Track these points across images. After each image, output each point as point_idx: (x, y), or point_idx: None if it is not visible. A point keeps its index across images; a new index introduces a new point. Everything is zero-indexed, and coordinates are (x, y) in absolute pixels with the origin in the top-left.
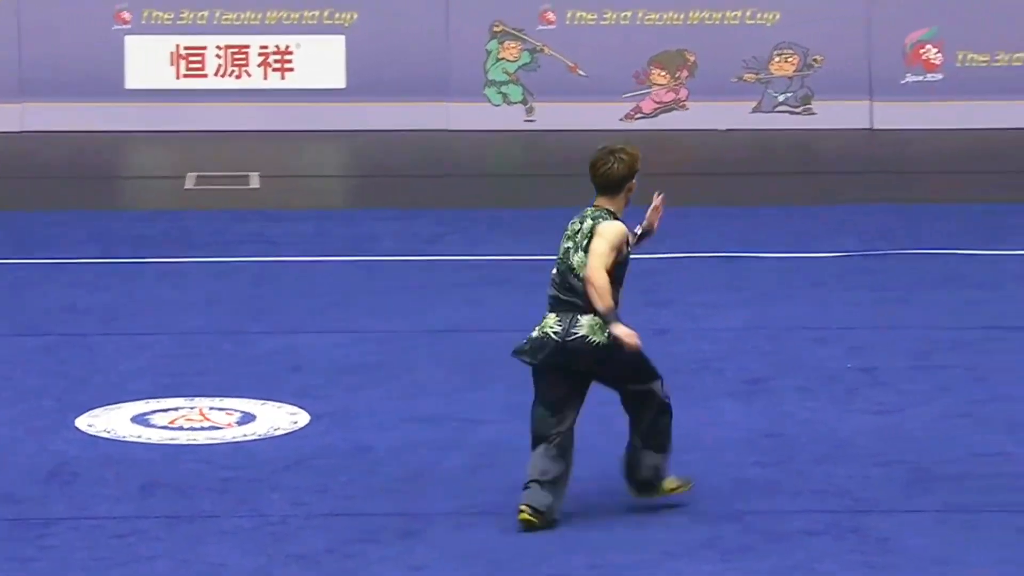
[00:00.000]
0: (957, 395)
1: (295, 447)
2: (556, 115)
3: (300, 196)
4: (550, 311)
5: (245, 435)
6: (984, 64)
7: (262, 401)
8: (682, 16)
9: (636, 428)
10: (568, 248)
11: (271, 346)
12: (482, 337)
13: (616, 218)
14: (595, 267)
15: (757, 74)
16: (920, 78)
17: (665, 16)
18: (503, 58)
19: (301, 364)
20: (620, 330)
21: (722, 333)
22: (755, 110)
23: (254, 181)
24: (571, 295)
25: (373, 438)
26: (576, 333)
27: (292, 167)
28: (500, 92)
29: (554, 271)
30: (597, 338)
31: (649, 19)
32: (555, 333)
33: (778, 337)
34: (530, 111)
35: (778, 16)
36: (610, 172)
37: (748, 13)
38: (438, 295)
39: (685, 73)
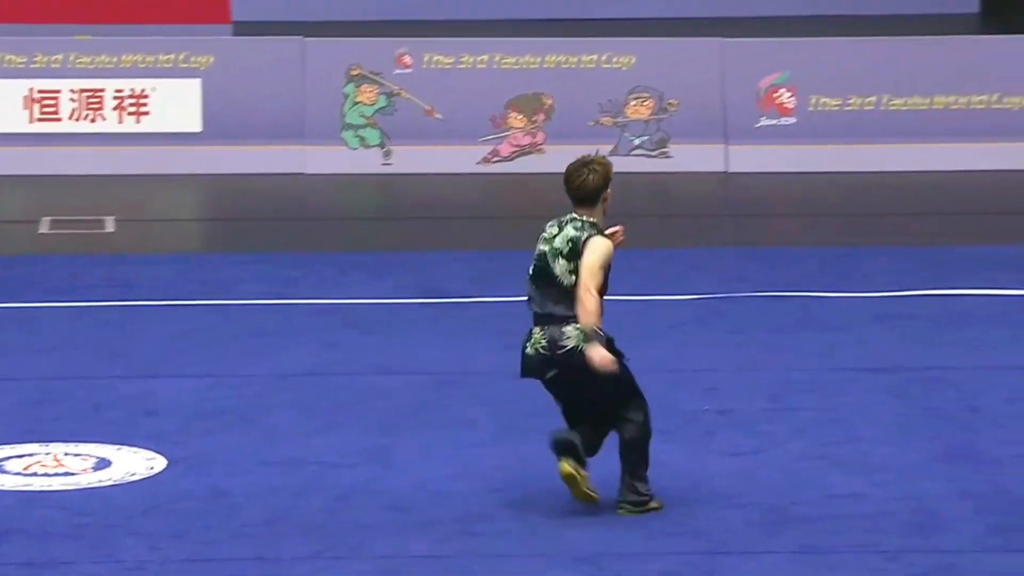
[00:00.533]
0: (812, 437)
1: (152, 492)
2: (413, 159)
3: (156, 240)
4: (535, 324)
5: (101, 481)
6: (836, 108)
7: (118, 446)
8: (539, 60)
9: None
10: (544, 252)
11: (127, 391)
12: (339, 380)
13: (601, 231)
14: (587, 286)
15: (613, 118)
16: (774, 122)
17: (522, 60)
18: (360, 102)
19: (157, 409)
20: (596, 353)
21: None
22: (612, 153)
23: (110, 225)
24: (550, 306)
25: (230, 483)
26: (565, 346)
27: (148, 211)
28: (357, 136)
29: (531, 286)
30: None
31: (506, 63)
32: (543, 348)
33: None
34: (387, 155)
35: (633, 60)
36: (586, 184)
37: (604, 57)
38: (295, 339)
39: (542, 117)
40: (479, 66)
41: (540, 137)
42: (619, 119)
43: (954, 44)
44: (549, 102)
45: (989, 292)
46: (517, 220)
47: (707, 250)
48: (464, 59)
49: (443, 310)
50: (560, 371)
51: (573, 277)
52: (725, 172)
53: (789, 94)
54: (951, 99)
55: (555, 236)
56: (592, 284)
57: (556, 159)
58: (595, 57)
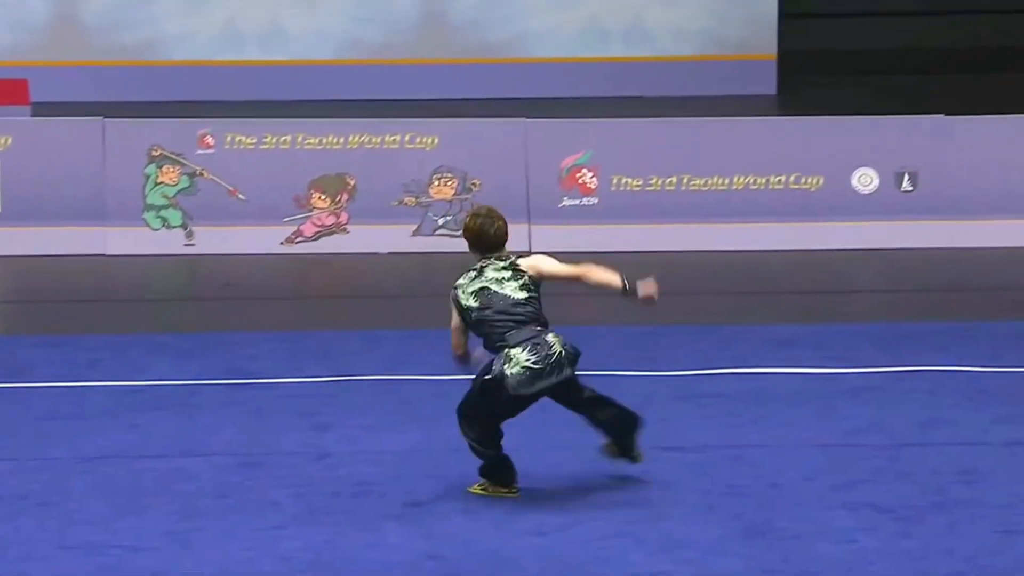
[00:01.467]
0: (616, 515)
1: None
2: (216, 239)
3: None
4: (511, 349)
5: None
6: (638, 188)
7: None
8: (342, 140)
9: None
10: (489, 293)
11: None
12: (141, 463)
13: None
14: (578, 268)
15: (417, 198)
16: (576, 202)
17: (325, 140)
18: (162, 182)
19: None
20: (643, 286)
21: (385, 456)
22: (416, 233)
23: None
24: (527, 328)
25: (29, 568)
26: (554, 353)
27: None
28: (159, 216)
29: (486, 326)
30: (567, 349)
31: (309, 143)
32: (535, 363)
33: (442, 459)
34: (190, 235)
35: (437, 140)
36: (500, 232)
37: (407, 137)
38: (96, 421)
39: (345, 197)
40: (282, 146)
41: (344, 217)
42: (423, 199)
43: (752, 125)
44: (352, 182)
45: (788, 370)
46: (321, 301)
47: None
48: (267, 139)
49: (248, 391)
50: (555, 379)
51: (524, 292)
52: (528, 251)
53: (591, 174)
54: (750, 179)
55: (479, 279)
56: (572, 266)
57: (360, 239)
58: (398, 137)
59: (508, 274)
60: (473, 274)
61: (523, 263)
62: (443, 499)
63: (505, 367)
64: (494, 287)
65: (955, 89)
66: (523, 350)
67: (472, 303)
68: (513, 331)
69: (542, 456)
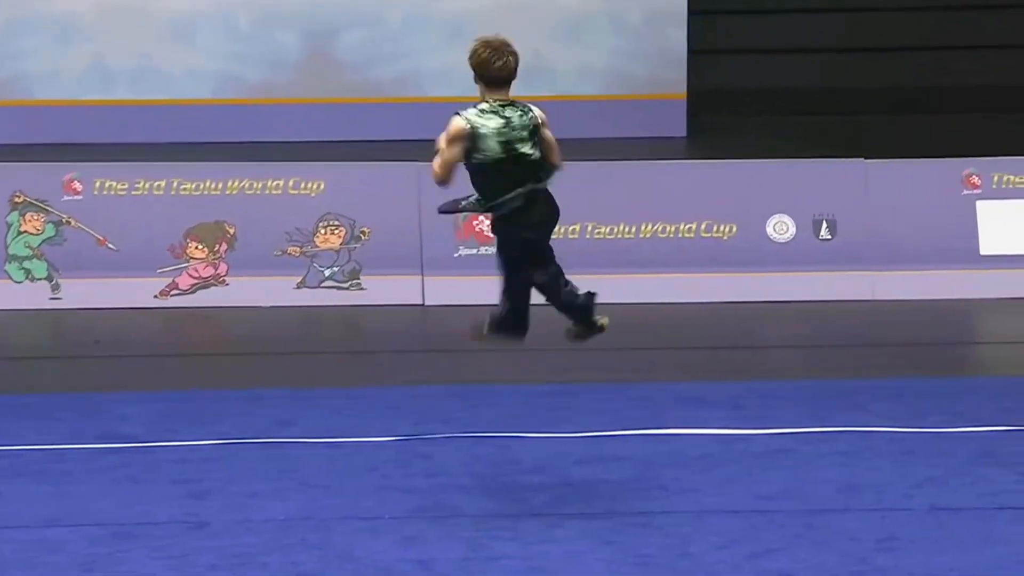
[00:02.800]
0: None
1: None
2: (85, 292)
3: None
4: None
5: None
6: None
7: None
8: (220, 186)
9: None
10: (508, 142)
11: None
12: (3, 535)
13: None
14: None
15: (302, 247)
16: (474, 251)
17: (202, 186)
18: (25, 231)
19: None
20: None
21: (267, 525)
22: (300, 285)
23: None
24: (525, 176)
25: None
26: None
27: None
28: (22, 268)
29: (493, 162)
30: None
31: (185, 189)
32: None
33: (327, 528)
34: (56, 288)
35: (323, 186)
36: (507, 66)
37: (291, 182)
38: None
39: (224, 246)
40: (155, 192)
41: (222, 268)
42: (308, 248)
43: (661, 170)
44: (232, 231)
45: (699, 431)
46: (198, 358)
47: (404, 388)
48: (139, 185)
49: (119, 456)
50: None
51: (536, 151)
52: (422, 305)
53: (488, 222)
54: (658, 227)
55: (507, 128)
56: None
57: (240, 292)
58: (281, 182)
59: (527, 133)
60: (495, 117)
61: (536, 115)
62: (329, 571)
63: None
64: (519, 145)
65: (874, 131)
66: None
67: (498, 150)
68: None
69: (440, 522)
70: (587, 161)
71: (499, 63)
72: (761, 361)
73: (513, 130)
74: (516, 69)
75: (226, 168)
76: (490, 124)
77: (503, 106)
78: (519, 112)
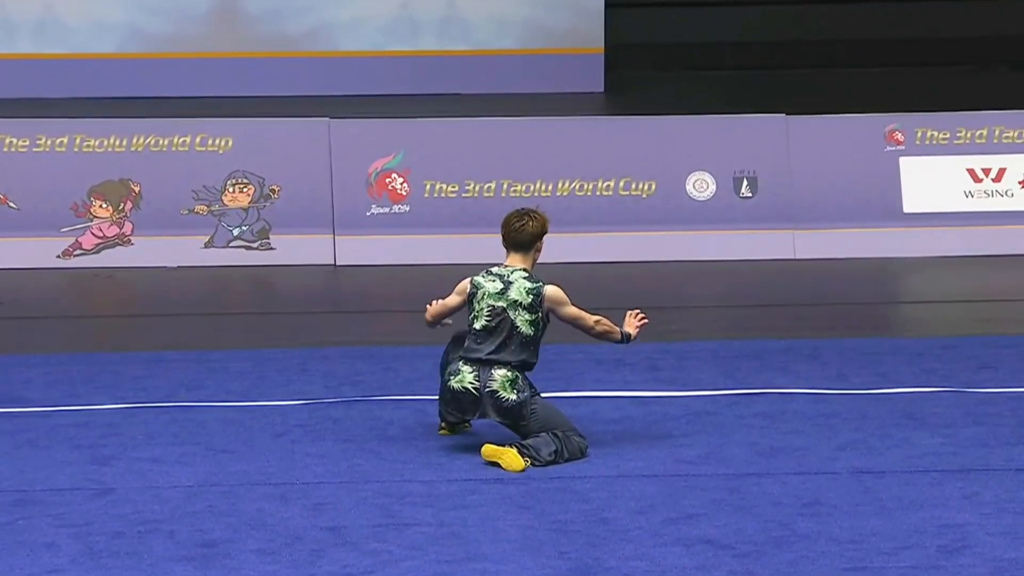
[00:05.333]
0: (429, 555)
1: None
2: None
3: None
4: (464, 365)
5: None
6: (453, 195)
7: None
8: (125, 142)
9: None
10: (503, 307)
11: None
12: None
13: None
14: (590, 317)
15: (209, 206)
16: (386, 210)
17: (106, 142)
18: None
19: None
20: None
21: (173, 491)
22: (208, 245)
23: None
24: (496, 350)
25: None
26: (490, 387)
27: None
28: None
29: (478, 326)
30: (507, 395)
31: (88, 145)
32: (473, 387)
33: (235, 494)
34: None
35: (231, 143)
36: (524, 229)
37: (198, 139)
38: None
39: (129, 205)
40: (58, 149)
41: (127, 227)
42: (215, 207)
43: (578, 126)
44: (137, 189)
45: (616, 393)
46: (102, 320)
47: (314, 350)
48: (41, 141)
49: (19, 420)
50: (478, 408)
51: (533, 329)
52: (333, 265)
53: (402, 179)
54: (576, 185)
55: (504, 290)
56: (590, 315)
57: (145, 252)
58: (188, 139)
59: (530, 300)
60: (499, 284)
61: (547, 293)
62: (238, 539)
63: (451, 378)
64: (511, 312)
65: (795, 86)
66: (470, 368)
67: (483, 312)
68: (488, 351)
69: (352, 487)
70: (502, 117)
71: (517, 224)
72: (680, 322)
73: (509, 298)
74: (535, 235)
75: (131, 124)
76: (490, 283)
77: (512, 273)
78: (529, 283)
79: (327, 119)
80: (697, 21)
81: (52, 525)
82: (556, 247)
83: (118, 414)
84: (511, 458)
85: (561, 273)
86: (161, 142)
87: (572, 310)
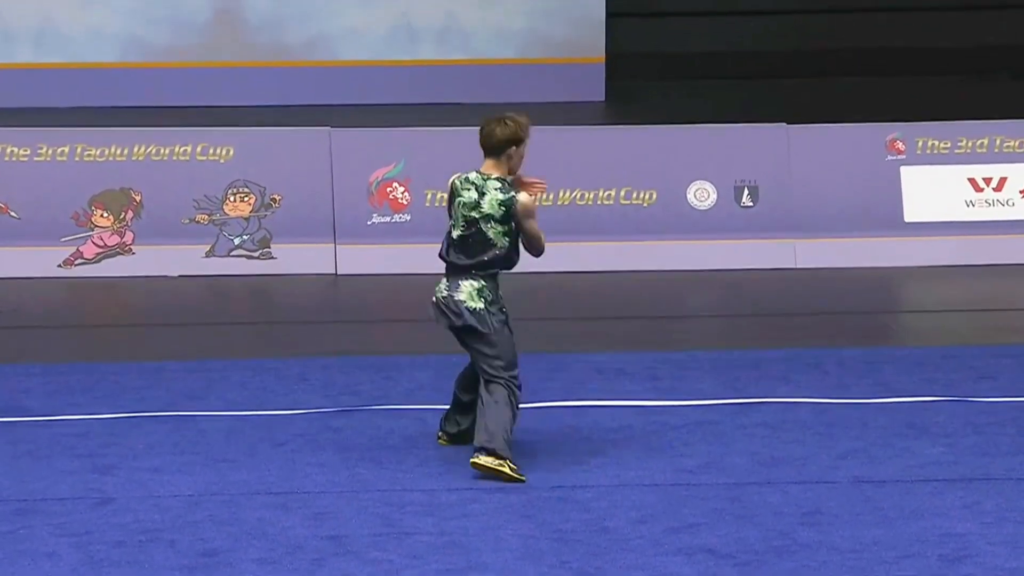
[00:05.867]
0: (430, 564)
1: None
2: None
3: None
4: (443, 278)
5: None
6: None
7: None
8: (126, 151)
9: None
10: (476, 219)
11: None
12: None
13: (512, 186)
14: (538, 235)
15: (210, 215)
16: (387, 219)
17: (107, 152)
18: None
19: None
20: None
21: (173, 501)
22: (208, 254)
23: None
24: (470, 259)
25: None
26: (458, 296)
27: None
28: None
29: (455, 235)
30: (472, 303)
31: (89, 155)
32: (442, 296)
33: (236, 503)
34: None
35: (232, 152)
36: (493, 134)
37: (199, 149)
38: None
39: (130, 214)
40: (59, 158)
41: (128, 237)
42: (216, 216)
43: (579, 135)
44: (138, 198)
45: (618, 403)
46: (103, 329)
47: (315, 359)
48: (42, 150)
49: (20, 430)
50: (451, 324)
51: (507, 239)
52: (334, 274)
53: (402, 188)
54: (576, 194)
55: (479, 201)
56: (538, 232)
57: (146, 261)
58: (189, 148)
59: (501, 212)
60: (474, 195)
61: (518, 205)
62: (239, 548)
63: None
64: (483, 224)
65: (796, 95)
66: (445, 281)
67: (459, 222)
68: (463, 261)
69: (353, 496)
70: None
71: (486, 129)
72: (682, 331)
73: (482, 211)
74: (503, 140)
75: (132, 134)
76: (466, 189)
77: (486, 182)
78: (500, 193)
79: (328, 128)
80: (698, 31)
81: (53, 534)
82: (557, 256)
83: (119, 423)
84: (507, 474)
85: (562, 282)
86: (162, 151)
87: (532, 226)
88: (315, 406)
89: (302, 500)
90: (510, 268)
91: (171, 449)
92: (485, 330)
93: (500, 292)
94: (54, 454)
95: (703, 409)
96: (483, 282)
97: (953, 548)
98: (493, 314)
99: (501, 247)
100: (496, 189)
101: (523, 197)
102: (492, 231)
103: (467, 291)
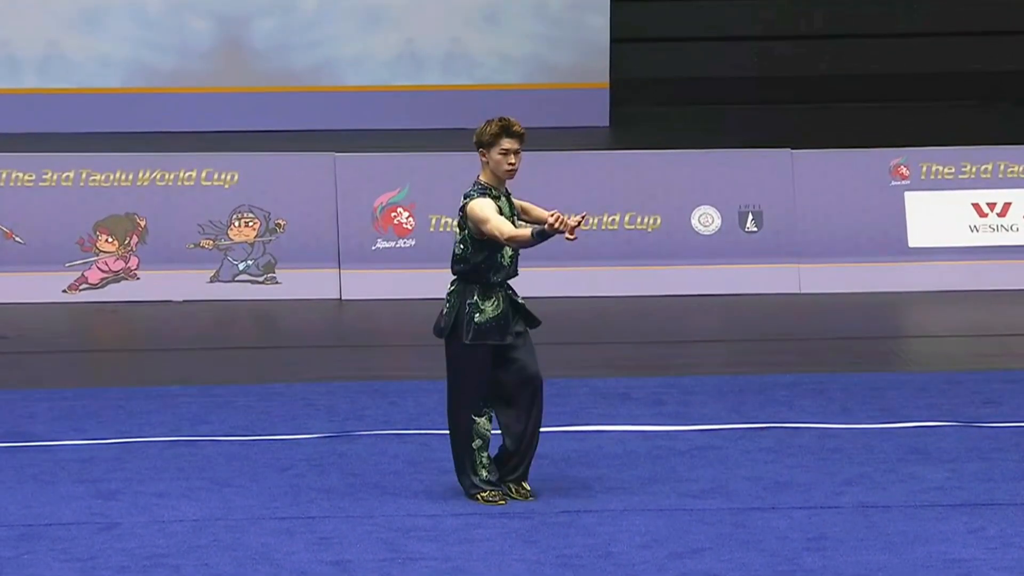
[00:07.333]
0: None
1: None
2: None
3: None
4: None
5: None
6: None
7: None
8: (131, 176)
9: None
10: (456, 224)
11: None
12: None
13: (485, 190)
14: (501, 232)
15: (215, 240)
16: (391, 244)
17: (112, 177)
18: None
19: None
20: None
21: (178, 526)
22: (213, 279)
23: None
24: (454, 267)
25: None
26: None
27: None
28: None
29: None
30: (445, 308)
31: (94, 180)
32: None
33: (240, 529)
34: None
35: (236, 177)
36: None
37: (204, 174)
38: None
39: (135, 239)
40: (64, 183)
41: (133, 262)
42: (221, 241)
43: (584, 160)
44: (143, 223)
45: (622, 428)
46: (107, 355)
47: (319, 384)
48: (47, 176)
49: (24, 455)
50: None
51: (462, 245)
52: (339, 299)
53: (407, 214)
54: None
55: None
56: (503, 230)
57: (151, 286)
58: (194, 173)
59: (459, 217)
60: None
61: (467, 211)
62: (244, 573)
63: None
64: (457, 231)
65: (800, 120)
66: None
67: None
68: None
69: (357, 522)
70: None
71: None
72: (686, 356)
73: (459, 215)
74: (475, 144)
75: (137, 159)
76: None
77: (472, 186)
78: (462, 198)
79: (332, 154)
80: (702, 57)
81: (57, 559)
82: (561, 281)
83: (123, 448)
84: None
85: (567, 307)
86: (167, 176)
87: (487, 227)
88: (320, 431)
89: (307, 525)
90: (488, 276)
91: (176, 474)
92: (438, 333)
93: (484, 302)
94: (58, 479)
95: (708, 434)
96: (452, 286)
97: (958, 573)
98: (461, 320)
99: (459, 252)
100: (464, 195)
101: (472, 202)
102: (457, 235)
103: (447, 295)
